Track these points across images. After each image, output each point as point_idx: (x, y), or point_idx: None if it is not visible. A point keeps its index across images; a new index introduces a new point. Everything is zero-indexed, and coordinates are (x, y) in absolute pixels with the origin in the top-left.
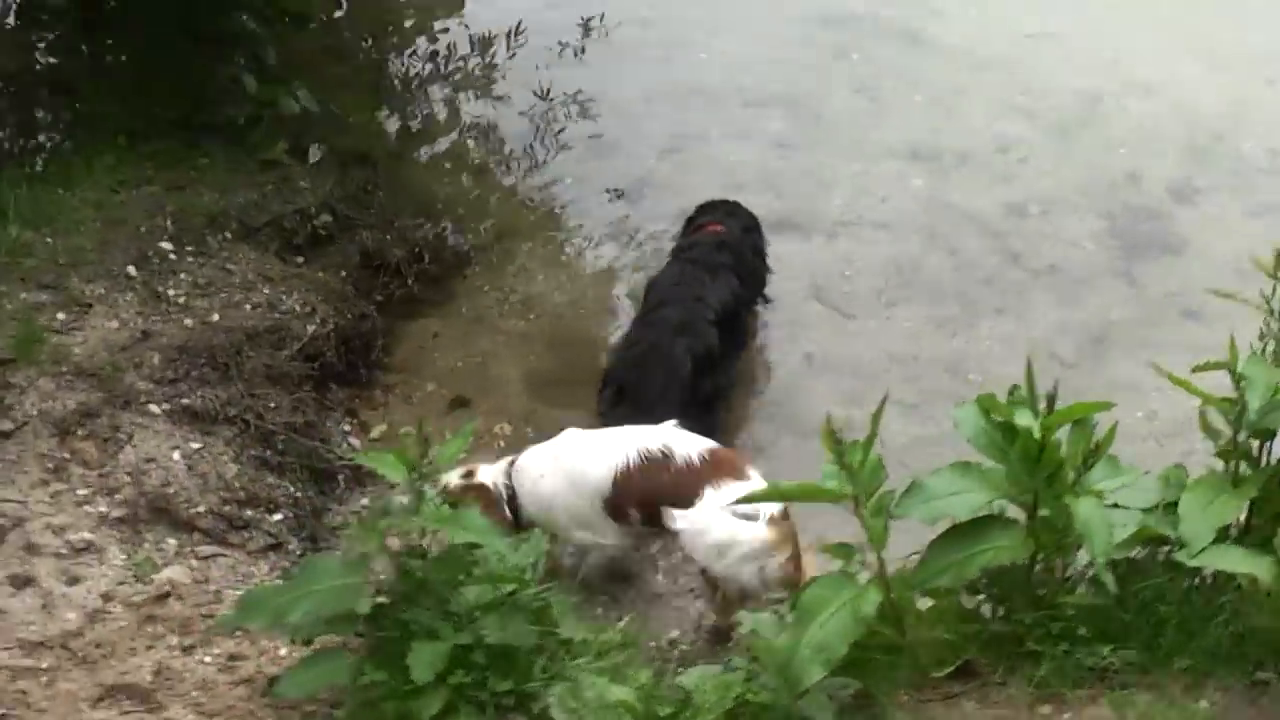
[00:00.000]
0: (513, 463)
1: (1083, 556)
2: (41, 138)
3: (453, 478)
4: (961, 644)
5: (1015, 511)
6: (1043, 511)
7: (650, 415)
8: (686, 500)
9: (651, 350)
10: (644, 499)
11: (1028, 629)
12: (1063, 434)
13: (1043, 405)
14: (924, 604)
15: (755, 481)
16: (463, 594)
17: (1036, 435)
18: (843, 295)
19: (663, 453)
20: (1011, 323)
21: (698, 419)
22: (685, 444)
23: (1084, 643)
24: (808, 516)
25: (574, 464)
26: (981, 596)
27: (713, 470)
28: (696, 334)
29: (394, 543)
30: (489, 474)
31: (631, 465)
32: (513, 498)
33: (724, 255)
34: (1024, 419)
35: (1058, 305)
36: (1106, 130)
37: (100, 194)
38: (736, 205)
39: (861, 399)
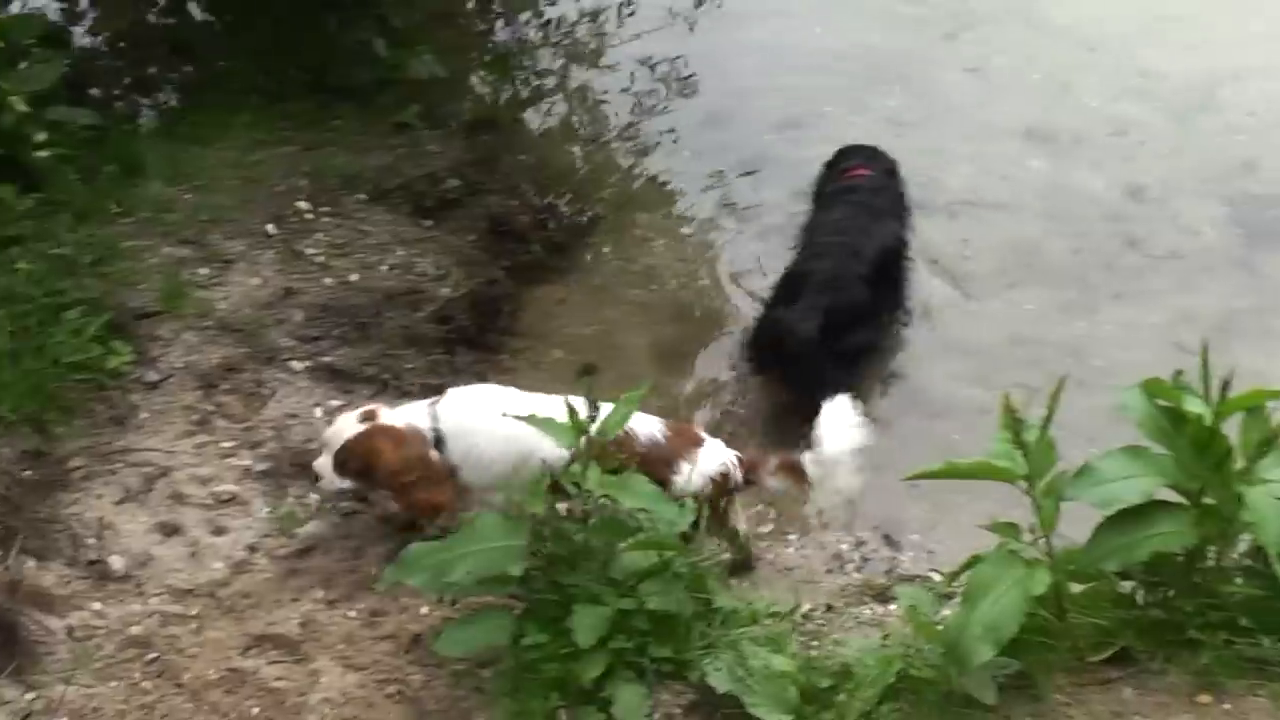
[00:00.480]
0: (435, 404)
1: (1243, 545)
2: (172, 96)
3: (348, 421)
4: (1117, 629)
5: (1172, 496)
6: (1208, 499)
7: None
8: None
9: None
10: None
11: (1187, 617)
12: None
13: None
14: (1076, 588)
15: (714, 447)
16: (622, 559)
17: (1208, 422)
18: (963, 275)
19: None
20: (1132, 308)
21: (840, 373)
22: (642, 423)
23: (1245, 633)
24: (970, 496)
25: (522, 438)
26: (1134, 583)
27: (681, 444)
28: (842, 289)
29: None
30: (403, 416)
31: None
32: (439, 441)
33: (881, 199)
34: (1194, 405)
35: (1178, 292)
36: (1225, 115)
37: (238, 153)
38: (876, 149)
39: (984, 380)
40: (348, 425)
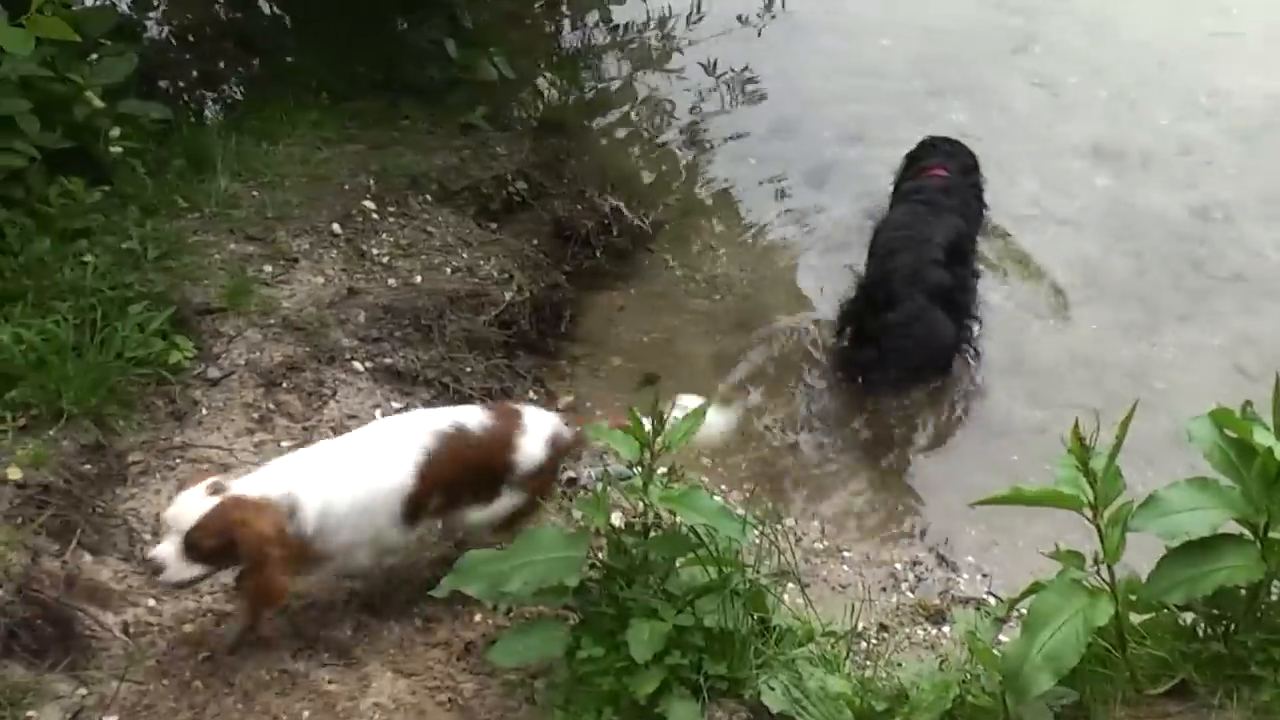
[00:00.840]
0: (286, 470)
1: None
2: (237, 91)
3: (193, 497)
4: (1177, 662)
5: (1238, 528)
6: (1274, 533)
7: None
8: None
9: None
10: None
11: (1249, 652)
12: None
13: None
14: (1135, 618)
15: (535, 413)
16: (680, 574)
17: (1278, 455)
18: (1026, 292)
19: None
20: (1195, 331)
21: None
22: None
23: None
24: (1026, 519)
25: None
26: (1194, 616)
27: (508, 421)
28: (924, 278)
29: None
30: (255, 485)
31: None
32: (294, 511)
33: (951, 199)
34: (1263, 438)
35: (1242, 315)
36: None
37: (305, 150)
38: (957, 144)
39: (1044, 399)
40: (195, 502)
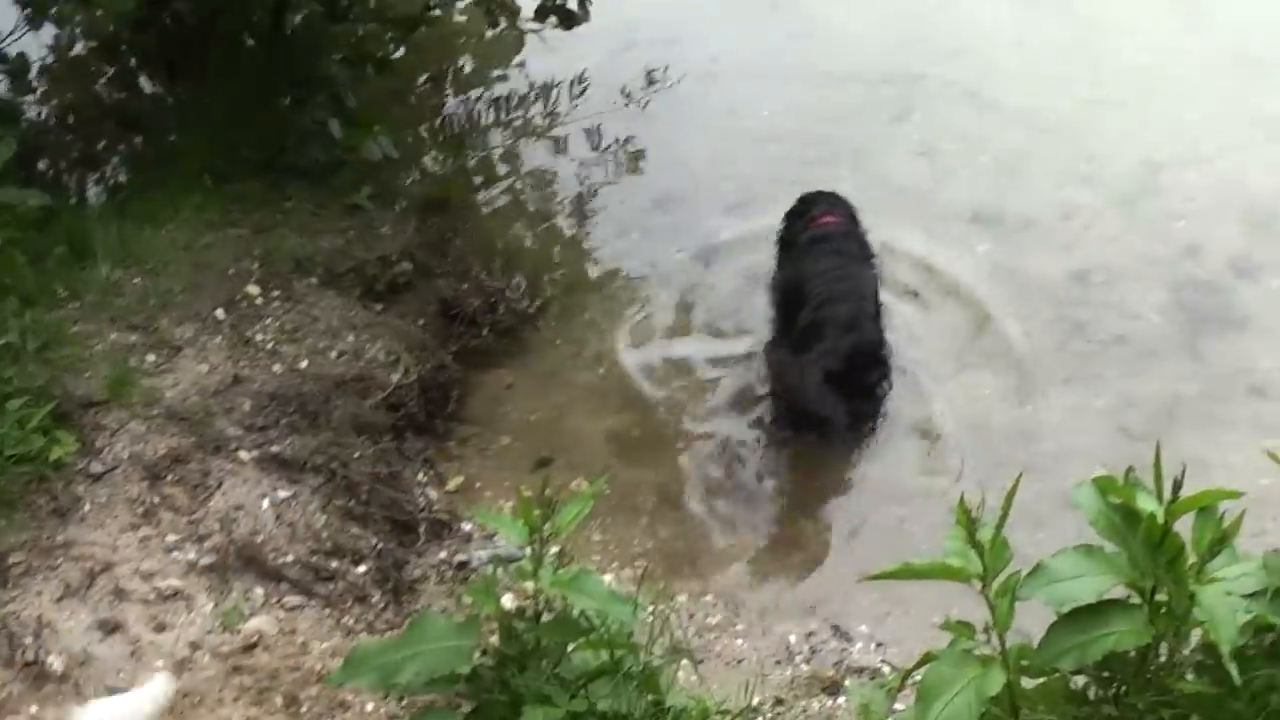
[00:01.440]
0: None
1: (1195, 641)
2: (119, 173)
3: None
4: None
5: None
6: (1160, 596)
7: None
8: None
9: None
10: None
11: (1140, 714)
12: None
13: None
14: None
15: None
16: (571, 659)
17: (1160, 520)
18: (912, 359)
19: None
20: (1079, 393)
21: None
22: None
23: None
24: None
25: None
26: (1085, 680)
27: None
28: (862, 330)
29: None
30: None
31: None
32: None
33: (858, 246)
34: (1146, 503)
35: (1124, 377)
36: (1167, 201)
37: (188, 234)
38: (836, 195)
39: (934, 465)
40: None
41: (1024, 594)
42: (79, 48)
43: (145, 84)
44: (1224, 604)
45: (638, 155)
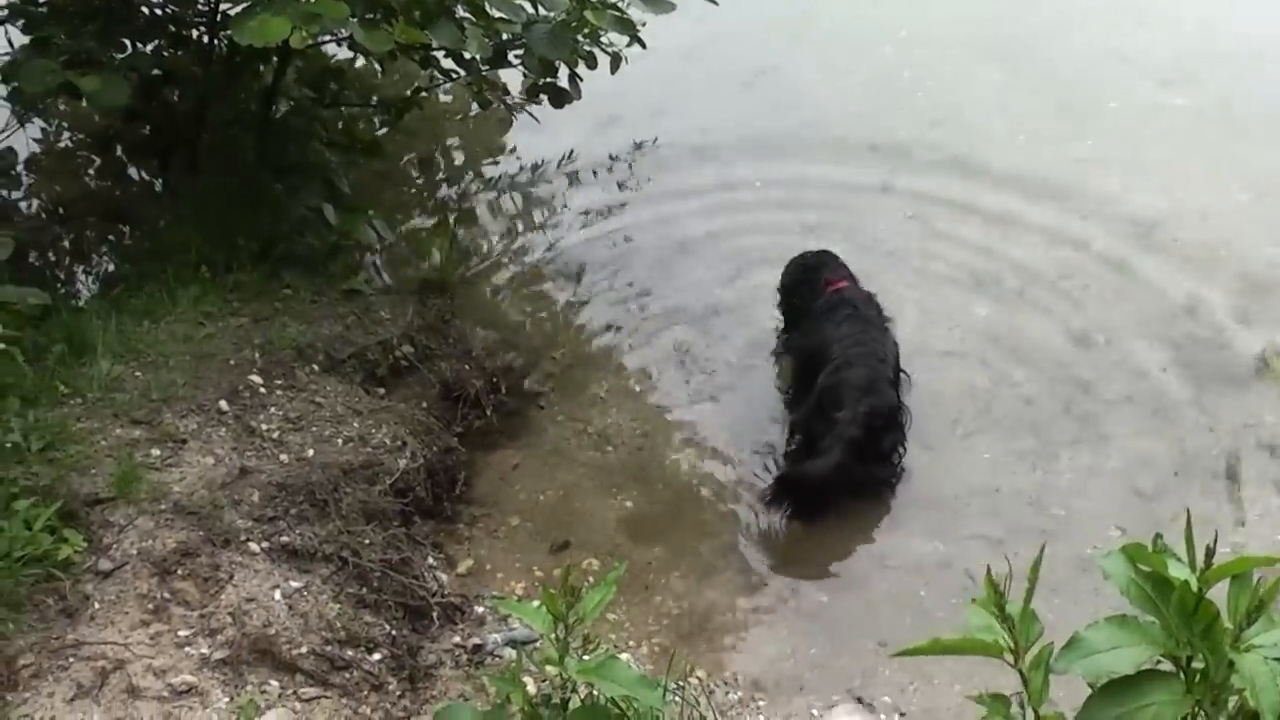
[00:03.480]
0: None
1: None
2: (114, 267)
3: None
4: None
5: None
6: (1196, 664)
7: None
8: None
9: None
10: None
11: None
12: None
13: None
14: None
15: None
16: None
17: (1195, 589)
18: (918, 426)
19: None
20: (1089, 454)
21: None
22: None
23: None
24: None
25: None
26: None
27: None
28: (880, 393)
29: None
30: None
31: None
32: None
33: (875, 312)
34: (1178, 570)
35: (1134, 437)
36: (1163, 259)
37: (187, 327)
38: (835, 255)
39: (946, 533)
40: None
41: (1060, 667)
42: (66, 139)
43: (136, 175)
44: (1264, 671)
45: (630, 229)
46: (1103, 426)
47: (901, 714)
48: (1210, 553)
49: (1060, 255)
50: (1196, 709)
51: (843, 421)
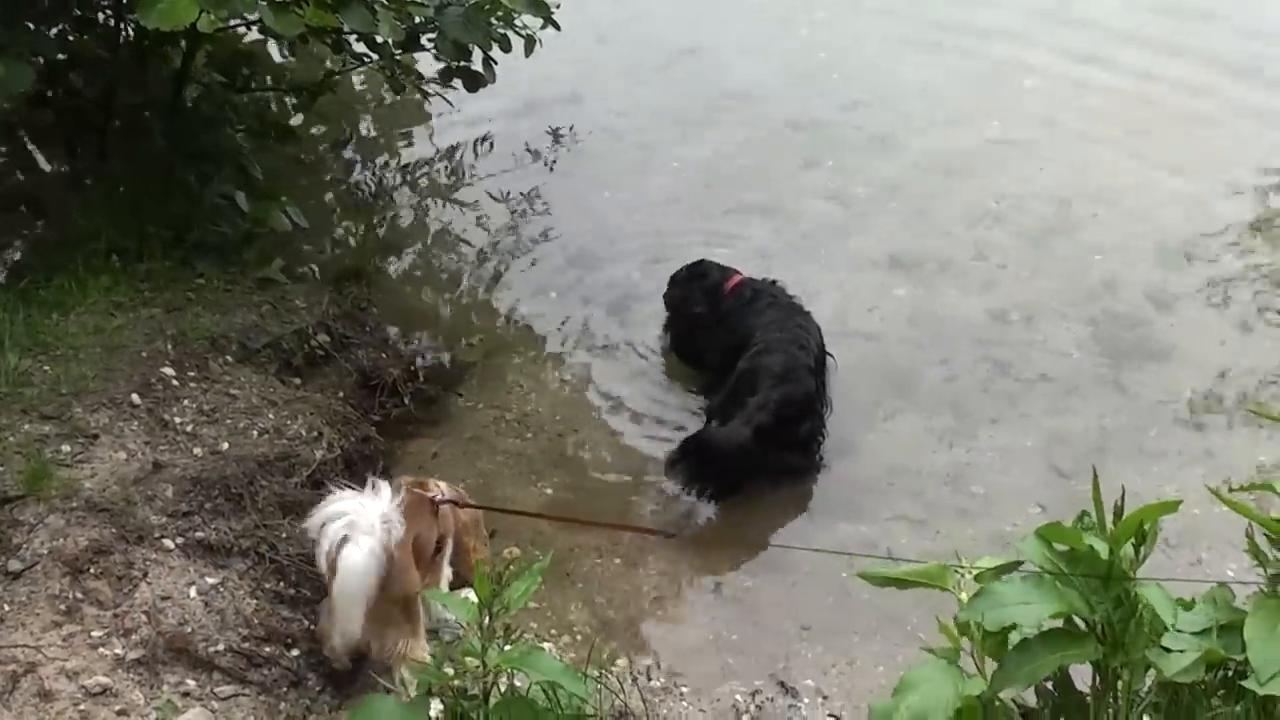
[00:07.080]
0: None
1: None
2: (23, 258)
3: None
4: None
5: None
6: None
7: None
8: None
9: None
10: None
11: None
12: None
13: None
14: None
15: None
16: None
17: (1104, 556)
18: (839, 407)
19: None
20: (1008, 433)
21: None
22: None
23: None
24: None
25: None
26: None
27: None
28: (795, 381)
29: None
30: None
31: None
32: None
33: (788, 297)
34: (1094, 542)
35: (1051, 414)
36: (1080, 237)
37: (98, 318)
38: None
39: (867, 513)
40: None
41: (965, 616)
42: None
43: (43, 163)
44: (1159, 593)
45: (548, 213)
46: (1021, 405)
47: (824, 697)
48: (1119, 511)
49: (978, 235)
50: (1106, 661)
51: (752, 406)
